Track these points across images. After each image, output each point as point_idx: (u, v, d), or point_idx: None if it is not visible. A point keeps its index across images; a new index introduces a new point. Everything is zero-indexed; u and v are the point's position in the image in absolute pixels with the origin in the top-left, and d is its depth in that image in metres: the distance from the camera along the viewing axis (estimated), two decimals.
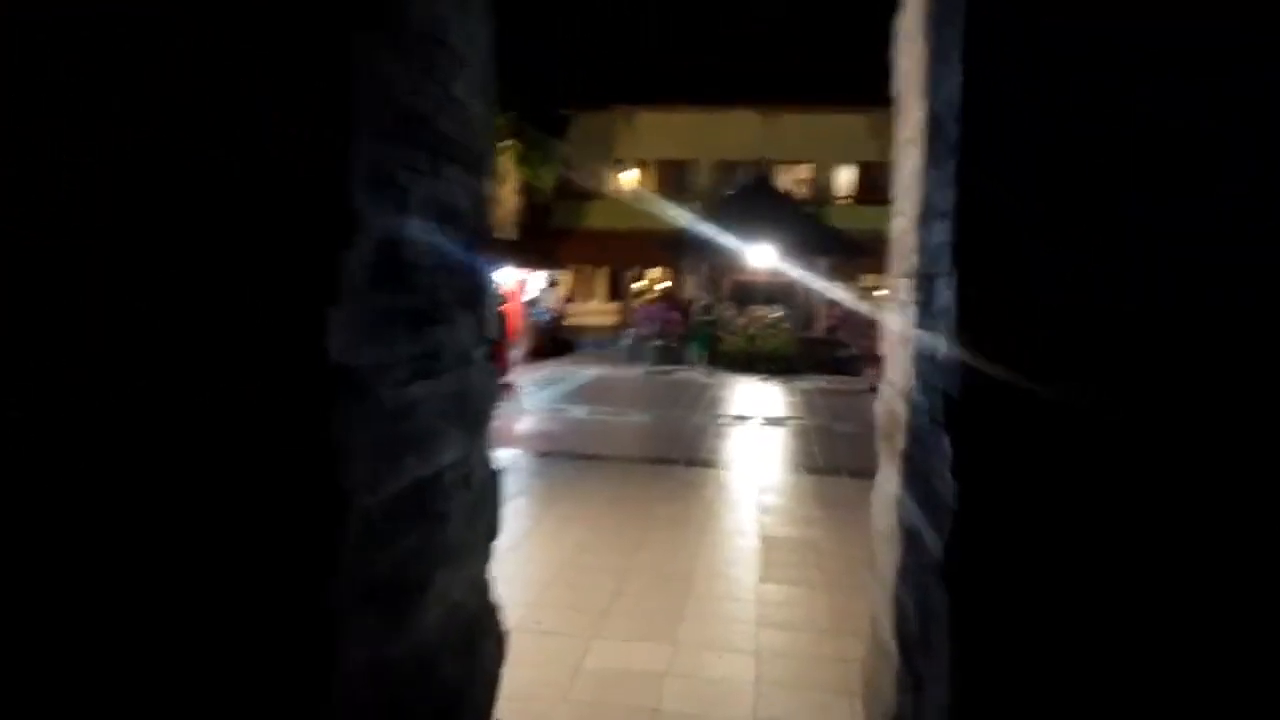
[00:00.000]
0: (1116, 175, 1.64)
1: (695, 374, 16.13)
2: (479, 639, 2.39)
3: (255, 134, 1.56)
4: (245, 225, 1.60)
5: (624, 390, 13.76)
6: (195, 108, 1.56)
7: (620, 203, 23.57)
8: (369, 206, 1.68)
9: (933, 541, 1.90)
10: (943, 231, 1.85)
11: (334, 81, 1.58)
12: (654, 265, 24.03)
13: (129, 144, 1.56)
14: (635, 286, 24.63)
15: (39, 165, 1.58)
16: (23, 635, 1.65)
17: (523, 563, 4.80)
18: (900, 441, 2.38)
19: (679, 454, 8.38)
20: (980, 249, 1.72)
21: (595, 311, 24.77)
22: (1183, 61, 1.61)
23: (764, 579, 4.69)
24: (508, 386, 12.48)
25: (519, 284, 17.39)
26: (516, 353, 15.17)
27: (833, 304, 18.11)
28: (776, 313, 17.70)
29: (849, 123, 22.06)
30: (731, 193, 20.62)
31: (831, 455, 8.58)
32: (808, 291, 18.73)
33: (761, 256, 17.29)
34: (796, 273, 17.48)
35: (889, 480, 2.54)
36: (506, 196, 21.64)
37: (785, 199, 19.98)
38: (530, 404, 11.66)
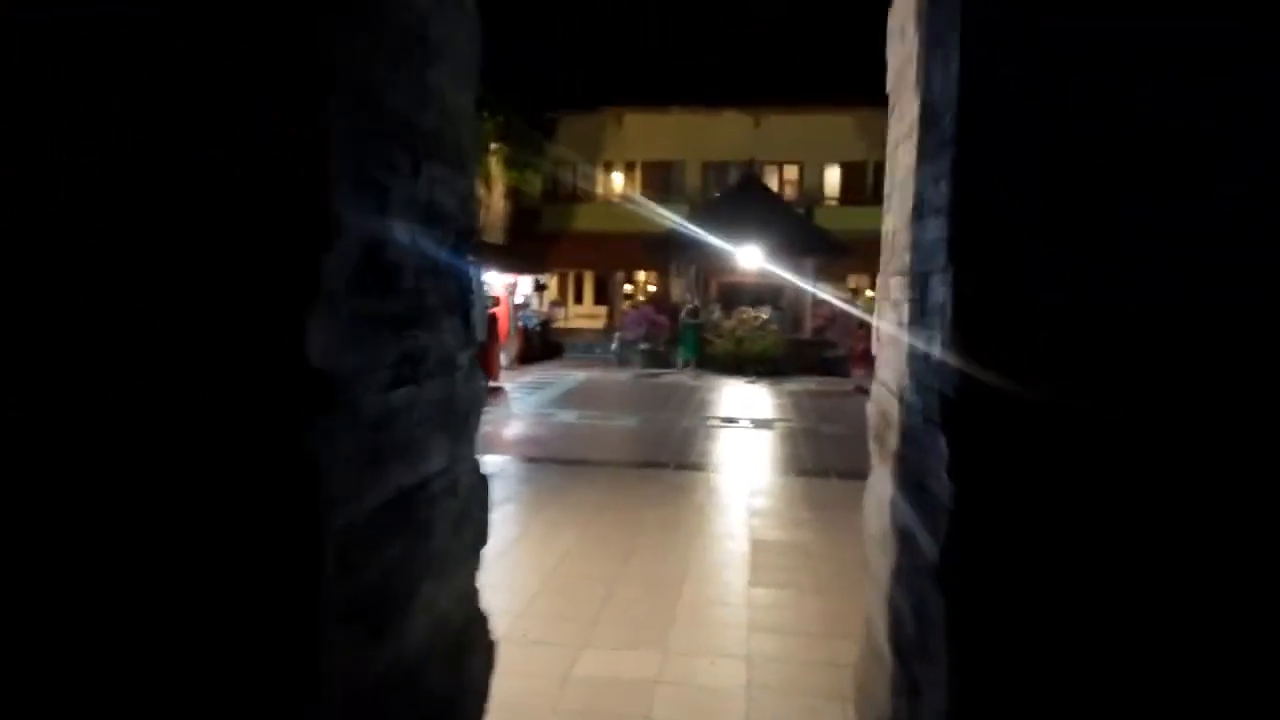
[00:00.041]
0: (1116, 175, 1.63)
1: (683, 377, 16.12)
2: (467, 650, 2.35)
3: (256, 134, 1.54)
4: (233, 226, 1.56)
5: (612, 394, 13.73)
6: (195, 107, 1.54)
7: (608, 205, 23.58)
8: (348, 207, 1.64)
9: (928, 544, 1.88)
10: (937, 228, 1.84)
11: (309, 77, 1.54)
12: (642, 268, 24.04)
13: (129, 144, 1.54)
14: (624, 290, 24.60)
15: (39, 165, 1.56)
16: (10, 636, 1.60)
17: (511, 570, 4.75)
18: (893, 442, 2.36)
19: (668, 458, 8.36)
20: (977, 245, 1.70)
21: (583, 315, 24.75)
22: (1183, 61, 1.60)
23: (754, 583, 4.66)
24: (496, 391, 12.43)
25: (507, 288, 17.34)
26: (505, 357, 15.12)
27: (820, 305, 18.15)
28: (764, 314, 17.73)
29: (838, 123, 22.17)
30: (719, 194, 20.66)
31: (820, 457, 8.58)
32: (796, 293, 18.78)
33: (749, 258, 17.31)
34: (784, 274, 17.52)
35: (882, 482, 2.52)
36: (494, 200, 21.61)
37: (774, 199, 20.02)
38: (518, 409, 11.61)
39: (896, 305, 2.35)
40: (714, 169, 23.52)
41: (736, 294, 20.43)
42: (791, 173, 23.82)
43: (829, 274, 19.14)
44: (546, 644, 3.73)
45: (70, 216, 1.57)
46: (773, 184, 22.57)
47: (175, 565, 1.58)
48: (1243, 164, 1.60)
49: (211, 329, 1.56)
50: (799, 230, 18.20)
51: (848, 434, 9.70)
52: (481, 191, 19.78)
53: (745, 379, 15.77)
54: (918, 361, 2.05)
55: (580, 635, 3.84)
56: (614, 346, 18.52)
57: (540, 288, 22.46)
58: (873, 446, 2.70)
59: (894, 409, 2.35)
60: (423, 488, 2.04)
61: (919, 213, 2.06)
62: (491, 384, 12.29)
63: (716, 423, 10.81)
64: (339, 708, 1.64)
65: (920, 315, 2.03)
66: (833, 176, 23.80)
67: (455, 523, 2.24)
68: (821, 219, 20.70)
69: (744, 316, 17.65)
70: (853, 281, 21.66)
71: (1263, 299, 1.61)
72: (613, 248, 21.94)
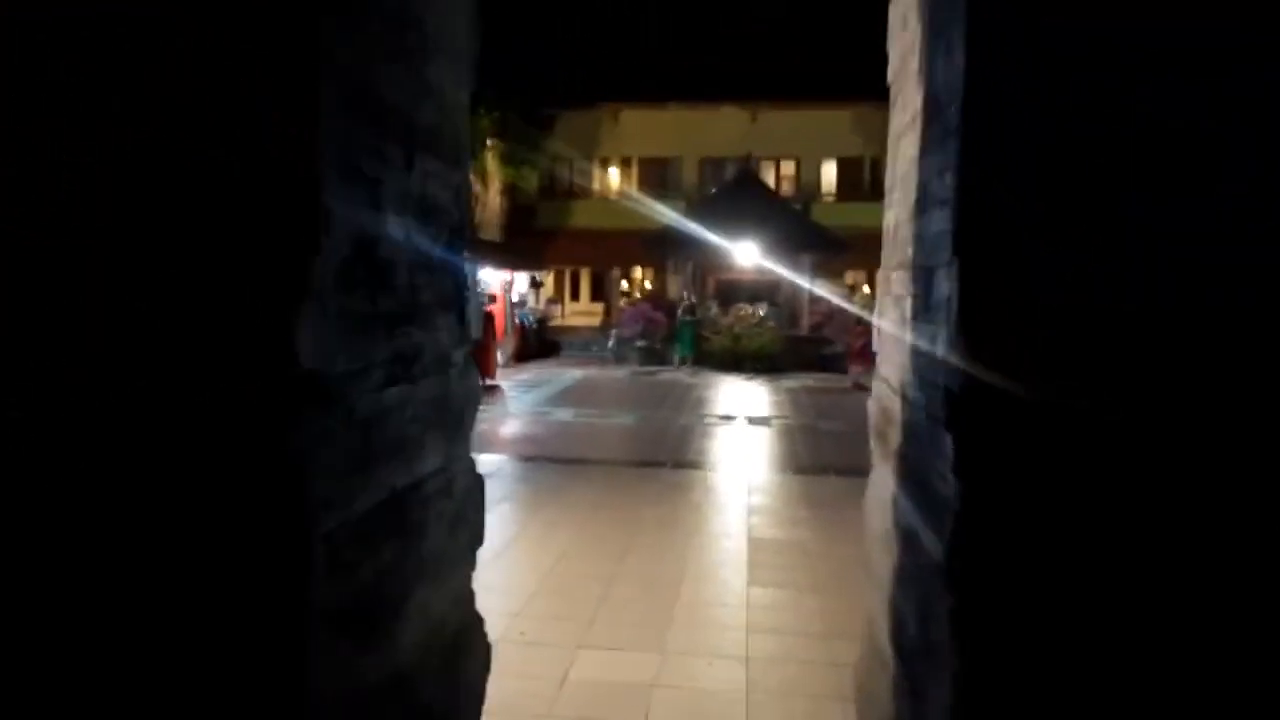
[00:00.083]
0: (1116, 175, 1.62)
1: (680, 374, 16.10)
2: (462, 653, 2.31)
3: (252, 130, 1.52)
4: (226, 224, 1.54)
5: (609, 392, 13.70)
6: (195, 106, 1.53)
7: (605, 202, 23.52)
8: (339, 201, 1.60)
9: (932, 543, 1.85)
10: (941, 220, 1.81)
11: (298, 68, 1.50)
12: (639, 265, 23.99)
13: (129, 144, 1.53)
14: (620, 287, 24.56)
15: (39, 165, 1.55)
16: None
17: (508, 570, 4.71)
18: (895, 439, 2.33)
19: (665, 456, 8.33)
20: (983, 238, 1.67)
21: (580, 312, 24.70)
22: (1183, 61, 1.59)
23: (752, 582, 4.63)
24: (492, 389, 12.39)
25: (503, 285, 17.29)
26: (501, 355, 15.08)
27: (817, 301, 18.13)
28: (761, 311, 17.70)
29: (835, 118, 22.12)
30: (716, 190, 20.61)
31: (817, 454, 8.56)
32: (793, 289, 18.75)
33: (746, 254, 17.27)
34: (781, 270, 17.49)
35: (883, 480, 2.48)
36: (491, 197, 21.55)
37: (771, 195, 19.98)
38: (515, 407, 11.57)
39: (898, 300, 2.31)
40: (711, 165, 23.46)
41: (733, 290, 20.40)
42: (788, 168, 23.76)
43: (826, 270, 19.12)
44: (543, 645, 3.70)
45: (70, 216, 1.55)
46: (770, 180, 22.53)
47: (164, 569, 1.55)
48: (1243, 164, 1.60)
49: (205, 328, 1.54)
50: (796, 226, 18.17)
51: (845, 431, 9.68)
52: (478, 188, 19.74)
53: (742, 376, 15.76)
54: (921, 357, 2.02)
55: (577, 636, 3.81)
56: (611, 344, 18.49)
57: (537, 285, 22.42)
58: (874, 444, 2.66)
59: (896, 406, 2.31)
60: (416, 488, 2.00)
61: (922, 205, 2.03)
62: (488, 382, 12.27)
63: (714, 420, 10.79)
64: (329, 715, 1.61)
65: (924, 310, 2.00)
66: (830, 172, 23.74)
67: (450, 524, 2.21)
68: (818, 215, 20.65)
69: (741, 313, 17.63)
70: (850, 278, 21.64)
71: (1263, 299, 1.60)
72: (609, 244, 21.88)
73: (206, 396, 1.53)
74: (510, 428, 9.93)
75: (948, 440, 1.73)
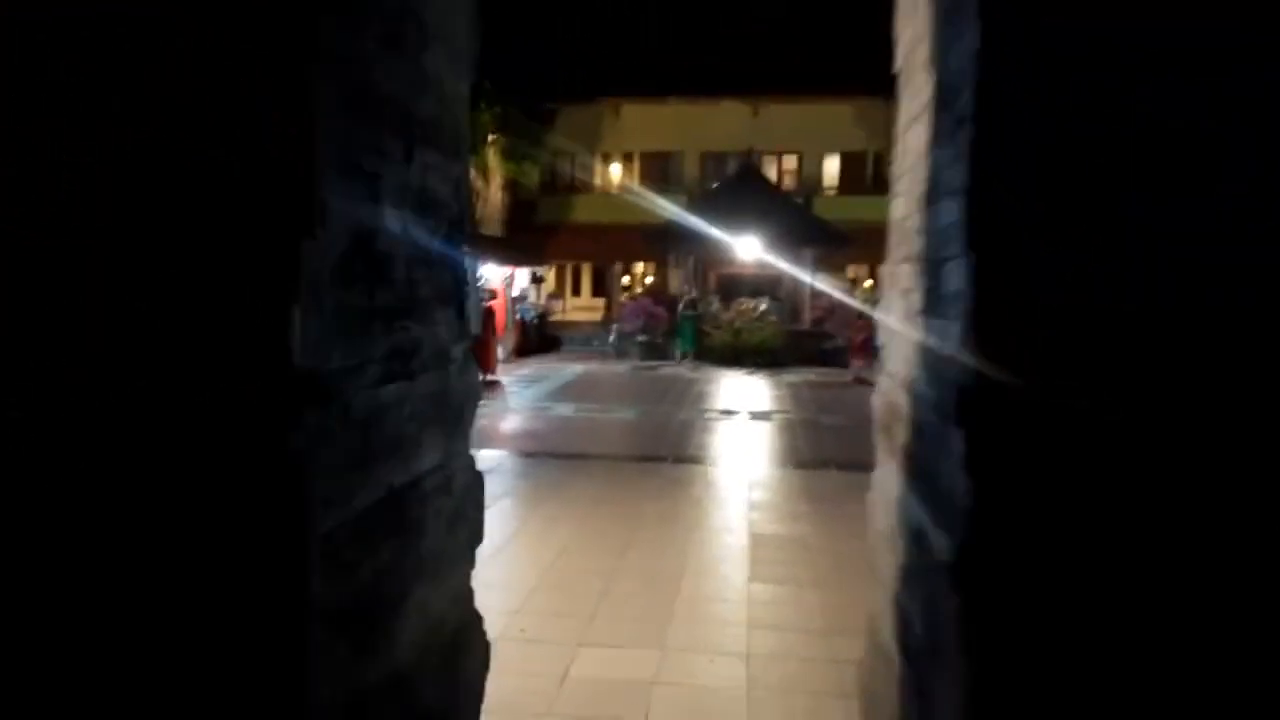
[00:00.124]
0: (1116, 175, 1.62)
1: (681, 369, 16.09)
2: (461, 652, 2.29)
3: (251, 125, 1.51)
4: (224, 222, 1.54)
5: (610, 386, 13.68)
6: (195, 106, 1.52)
7: (606, 197, 23.47)
8: (336, 194, 1.58)
9: (940, 541, 1.83)
10: (952, 211, 1.79)
11: (297, 68, 1.48)
12: (640, 259, 23.94)
13: (129, 144, 1.53)
14: (622, 281, 24.52)
15: (39, 165, 1.55)
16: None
17: (508, 566, 4.70)
18: (901, 435, 2.30)
19: (666, 451, 8.32)
20: (997, 230, 1.65)
21: (581, 307, 24.68)
22: (1183, 61, 1.59)
23: (753, 578, 4.62)
24: (493, 385, 12.38)
25: (504, 280, 17.26)
26: (502, 350, 15.06)
27: (819, 296, 18.09)
28: (762, 305, 17.67)
29: (837, 112, 22.05)
30: (718, 185, 20.55)
31: (819, 449, 8.55)
32: (794, 284, 18.72)
33: (748, 249, 17.24)
34: (783, 265, 17.45)
35: (889, 476, 2.46)
36: (492, 192, 21.52)
37: (772, 189, 19.93)
38: (516, 402, 11.56)
39: (906, 294, 2.28)
40: (712, 159, 23.39)
41: (735, 285, 20.38)
42: (790, 162, 23.69)
43: (828, 264, 19.09)
44: (543, 642, 3.69)
45: (70, 216, 1.55)
46: (771, 174, 22.47)
47: (163, 569, 1.55)
48: (1243, 164, 1.59)
49: (204, 328, 1.53)
50: (798, 220, 18.12)
51: (847, 425, 9.67)
52: (479, 183, 19.70)
53: (743, 370, 15.74)
54: (929, 352, 2.00)
55: (578, 632, 3.80)
56: (612, 339, 18.47)
57: (537, 280, 22.40)
58: (879, 440, 2.64)
59: (902, 401, 2.29)
60: (415, 486, 1.98)
61: (932, 196, 2.00)
62: (488, 377, 12.25)
63: (715, 415, 10.77)
64: (328, 715, 1.59)
65: (934, 304, 1.97)
66: (832, 166, 23.67)
67: (449, 521, 2.19)
68: (820, 209, 20.59)
69: (742, 308, 17.61)
70: (851, 272, 21.61)
71: (1263, 299, 1.60)
72: (610, 239, 21.83)
73: (206, 396, 1.52)
74: (510, 423, 9.92)
75: (958, 437, 1.71)
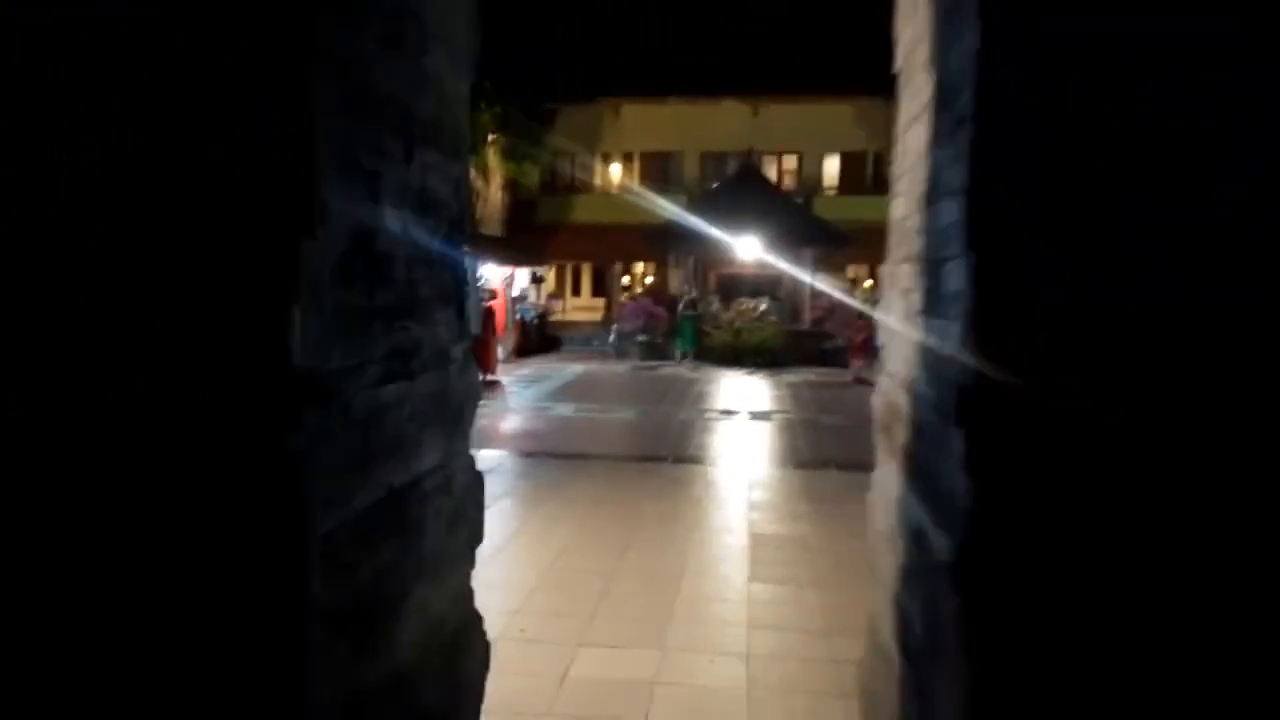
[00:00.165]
0: (1116, 175, 1.62)
1: (681, 369, 16.09)
2: (461, 652, 2.29)
3: (251, 125, 1.51)
4: (223, 221, 1.54)
5: (610, 386, 13.68)
6: (195, 106, 1.52)
7: (606, 197, 23.46)
8: (336, 194, 1.58)
9: (941, 542, 1.83)
10: (952, 211, 1.79)
11: (297, 69, 1.48)
12: (640, 259, 23.93)
13: (129, 144, 1.53)
14: (622, 281, 24.51)
15: (39, 165, 1.55)
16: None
17: (508, 566, 4.70)
18: (901, 436, 2.30)
19: (666, 451, 8.32)
20: (997, 229, 1.65)
21: (581, 307, 24.67)
22: (1183, 61, 1.59)
23: (753, 578, 4.62)
24: (493, 385, 12.38)
25: (504, 280, 17.25)
26: (502, 350, 15.06)
27: (819, 296, 18.09)
28: (762, 305, 17.66)
29: (837, 112, 22.04)
30: (718, 184, 20.54)
31: (818, 449, 8.54)
32: (794, 284, 18.71)
33: (748, 249, 17.23)
34: (783, 265, 17.44)
35: (889, 477, 2.46)
36: (492, 192, 21.51)
37: (772, 189, 19.93)
38: (515, 402, 11.56)
39: (906, 294, 2.28)
40: (712, 159, 23.37)
41: (735, 285, 20.37)
42: (790, 162, 23.68)
43: (828, 264, 19.08)
44: (543, 642, 3.68)
45: (70, 216, 1.55)
46: (771, 174, 22.46)
47: (163, 569, 1.55)
48: (1243, 164, 1.59)
49: (204, 328, 1.53)
50: (798, 220, 18.12)
51: (847, 425, 9.67)
52: (479, 183, 19.69)
53: (743, 370, 15.74)
54: (930, 352, 2.00)
55: (578, 632, 3.80)
56: (612, 339, 18.46)
57: (538, 280, 22.38)
58: (879, 440, 2.63)
59: (902, 401, 2.29)
60: (415, 486, 1.98)
61: (932, 196, 2.00)
62: (488, 377, 12.24)
63: (714, 415, 10.77)
64: (328, 715, 1.59)
65: (934, 304, 1.97)
66: (832, 166, 23.66)
67: (449, 521, 2.19)
68: (820, 209, 20.58)
69: (742, 308, 17.60)
70: (851, 272, 21.60)
71: (1263, 299, 1.60)
72: (611, 239, 21.82)
73: (206, 396, 1.52)
74: (510, 423, 9.92)
75: (958, 437, 1.71)
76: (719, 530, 5.59)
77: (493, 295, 15.19)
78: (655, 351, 17.29)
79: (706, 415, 10.73)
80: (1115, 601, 1.64)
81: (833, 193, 23.10)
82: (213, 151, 1.50)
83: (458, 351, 2.25)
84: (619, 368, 16.28)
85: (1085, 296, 1.63)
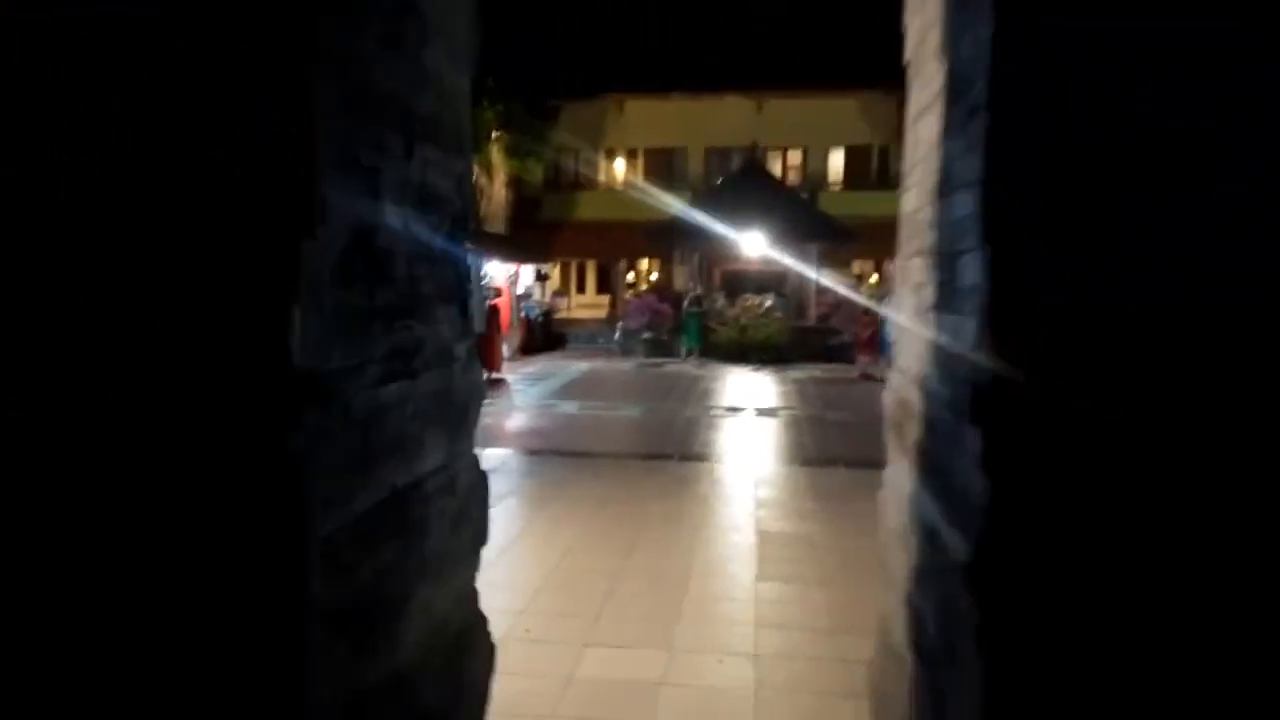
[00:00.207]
0: (1116, 175, 1.62)
1: (687, 366, 16.05)
2: (466, 653, 2.27)
3: (251, 124, 1.51)
4: (223, 220, 1.54)
5: (615, 384, 13.66)
6: (194, 105, 1.52)
7: (610, 193, 23.43)
8: (336, 191, 1.56)
9: (955, 541, 1.80)
10: (967, 203, 1.76)
11: (297, 68, 1.46)
12: (644, 256, 23.89)
13: (129, 144, 1.53)
14: (627, 278, 24.48)
15: (39, 165, 1.56)
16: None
17: (513, 566, 4.68)
18: (913, 433, 2.27)
19: (671, 448, 8.29)
20: (1008, 224, 1.62)
21: (586, 305, 24.65)
22: (1183, 61, 1.59)
23: (760, 577, 4.59)
24: (498, 383, 12.36)
25: (509, 278, 17.24)
26: (506, 348, 15.05)
27: (824, 292, 18.01)
28: (768, 302, 17.61)
29: (842, 107, 21.96)
30: (722, 180, 20.48)
31: (825, 445, 8.50)
32: (800, 280, 18.64)
33: (753, 244, 17.18)
34: (788, 260, 17.38)
35: (901, 475, 2.42)
36: (495, 190, 21.49)
37: (777, 185, 19.86)
38: (520, 400, 11.54)
39: (918, 288, 2.25)
40: (717, 155, 23.31)
41: (740, 281, 20.31)
42: (795, 157, 23.60)
43: (833, 260, 19.01)
44: (549, 642, 3.66)
45: (70, 216, 1.55)
46: (776, 169, 22.40)
47: (163, 569, 1.55)
48: (1243, 164, 1.59)
49: (204, 328, 1.53)
50: (803, 216, 18.06)
51: (853, 421, 9.63)
52: (483, 181, 19.68)
53: (749, 367, 15.70)
54: (942, 348, 1.96)
55: (583, 633, 3.77)
56: (617, 336, 18.43)
57: (542, 277, 22.37)
58: (890, 437, 2.60)
59: (915, 398, 2.25)
60: (418, 486, 1.96)
61: (945, 188, 1.97)
62: (493, 376, 12.23)
63: (720, 412, 10.74)
64: (328, 714, 1.57)
65: (948, 299, 1.94)
66: (837, 161, 23.58)
67: (453, 522, 2.16)
68: (825, 204, 20.50)
69: (748, 304, 17.55)
70: (857, 267, 21.53)
71: (1263, 299, 1.59)
72: (615, 236, 21.78)
73: (206, 396, 1.51)
74: (515, 421, 9.90)
75: (973, 435, 1.68)
76: (725, 529, 5.55)
77: (497, 293, 15.17)
78: (660, 348, 17.26)
79: (712, 412, 10.70)
80: (1132, 600, 1.63)
81: (838, 187, 23.01)
82: (213, 151, 1.49)
83: (461, 350, 2.23)
84: (624, 365, 16.25)
85: (1085, 296, 1.63)
